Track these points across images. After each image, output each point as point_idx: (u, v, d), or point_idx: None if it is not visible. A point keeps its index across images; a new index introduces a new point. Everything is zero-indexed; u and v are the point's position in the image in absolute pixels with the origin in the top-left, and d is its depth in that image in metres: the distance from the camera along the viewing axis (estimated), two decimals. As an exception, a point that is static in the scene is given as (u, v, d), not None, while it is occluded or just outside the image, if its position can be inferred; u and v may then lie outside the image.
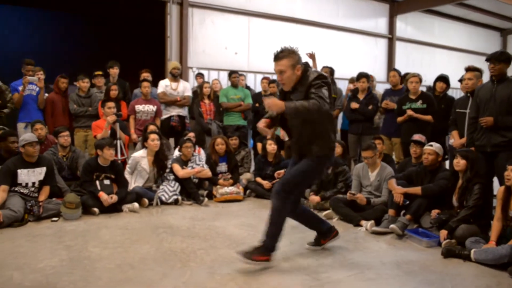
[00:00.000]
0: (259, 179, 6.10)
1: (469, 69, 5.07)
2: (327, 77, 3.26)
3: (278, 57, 3.32)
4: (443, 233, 3.94)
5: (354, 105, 6.52)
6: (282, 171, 5.71)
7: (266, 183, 6.00)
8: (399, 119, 5.93)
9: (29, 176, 4.78)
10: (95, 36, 14.50)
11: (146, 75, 7.14)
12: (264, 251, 3.33)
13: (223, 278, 3.17)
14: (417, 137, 5.16)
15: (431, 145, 4.63)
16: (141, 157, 5.71)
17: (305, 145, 3.36)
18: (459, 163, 4.16)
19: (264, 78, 8.08)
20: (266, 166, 6.17)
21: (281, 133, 6.52)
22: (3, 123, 5.95)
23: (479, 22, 14.99)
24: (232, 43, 10.21)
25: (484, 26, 15.33)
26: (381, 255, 3.80)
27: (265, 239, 3.37)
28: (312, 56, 6.17)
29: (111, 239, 4.07)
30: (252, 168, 6.63)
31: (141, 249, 3.81)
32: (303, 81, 3.28)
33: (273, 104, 3.12)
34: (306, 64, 3.39)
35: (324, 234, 3.84)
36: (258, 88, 8.62)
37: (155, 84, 7.15)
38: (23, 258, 3.53)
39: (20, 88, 6.18)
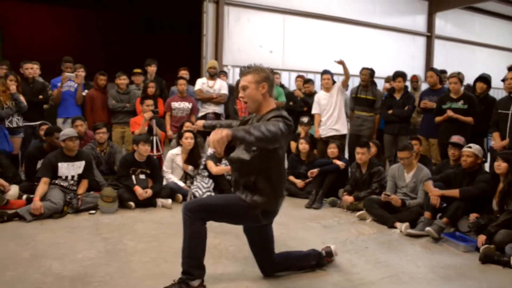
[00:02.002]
0: (292, 178, 6.08)
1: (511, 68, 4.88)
2: (289, 119, 2.66)
3: (243, 72, 2.88)
4: (482, 238, 3.81)
5: (390, 111, 6.43)
6: (316, 170, 5.68)
7: (299, 182, 5.97)
8: (438, 119, 5.78)
9: (68, 170, 4.94)
10: (134, 35, 14.83)
11: (183, 72, 7.24)
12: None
13: (254, 275, 3.19)
14: (455, 138, 5.02)
15: (470, 147, 4.49)
16: (176, 154, 5.81)
17: (249, 189, 2.80)
18: (500, 166, 4.02)
19: (299, 76, 8.05)
20: (299, 165, 6.15)
21: (316, 133, 6.49)
22: (44, 119, 6.17)
23: (522, 19, 14.41)
24: (267, 41, 10.22)
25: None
26: (415, 258, 3.72)
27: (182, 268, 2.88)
28: (341, 62, 6.07)
29: (146, 233, 4.16)
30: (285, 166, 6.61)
31: (175, 243, 3.86)
32: (263, 116, 2.77)
33: (215, 140, 2.33)
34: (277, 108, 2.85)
35: (319, 265, 3.34)
36: (293, 87, 8.59)
37: (192, 82, 7.25)
38: (62, 248, 3.66)
39: (59, 84, 6.40)
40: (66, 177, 4.94)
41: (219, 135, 2.32)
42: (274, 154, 2.74)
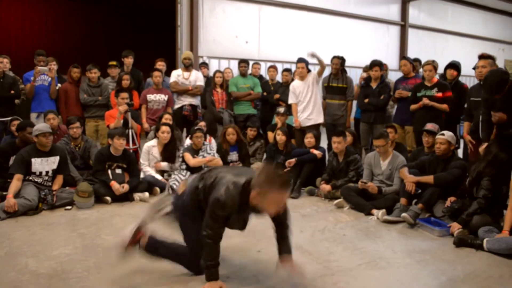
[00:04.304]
0: (270, 168, 6.09)
1: (482, 56, 4.98)
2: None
3: None
4: (455, 226, 3.91)
5: (366, 100, 6.50)
6: (293, 160, 5.71)
7: (277, 172, 5.99)
8: (413, 106, 5.86)
9: (42, 165, 4.83)
10: (110, 26, 14.57)
11: (160, 64, 7.15)
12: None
13: (234, 265, 3.20)
14: (429, 126, 5.10)
15: (443, 134, 4.57)
16: (152, 146, 5.76)
17: None
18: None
19: (271, 67, 8.03)
20: (277, 155, 6.16)
21: (295, 122, 6.50)
22: (16, 114, 6.02)
23: (494, 8, 14.69)
24: (243, 32, 10.19)
25: (499, 12, 15.03)
26: (392, 244, 3.79)
27: None
28: (313, 55, 6.09)
29: (124, 227, 4.09)
30: (264, 157, 6.62)
31: (153, 237, 3.84)
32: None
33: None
34: None
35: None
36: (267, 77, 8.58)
37: (168, 74, 7.17)
38: (38, 245, 3.59)
39: (32, 78, 6.23)
40: (40, 173, 4.83)
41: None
42: None
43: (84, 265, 3.19)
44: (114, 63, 7.00)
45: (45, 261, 3.27)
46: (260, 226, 4.16)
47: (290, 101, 6.57)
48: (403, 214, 4.25)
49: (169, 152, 5.79)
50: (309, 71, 6.54)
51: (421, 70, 6.60)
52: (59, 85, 6.53)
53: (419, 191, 4.49)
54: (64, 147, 5.39)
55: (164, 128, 5.69)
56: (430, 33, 13.48)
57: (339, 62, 6.92)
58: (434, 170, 4.56)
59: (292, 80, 6.87)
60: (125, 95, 6.11)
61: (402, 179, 4.58)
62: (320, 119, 6.53)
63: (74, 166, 5.46)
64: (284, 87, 7.13)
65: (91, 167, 5.49)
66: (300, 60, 6.49)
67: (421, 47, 12.92)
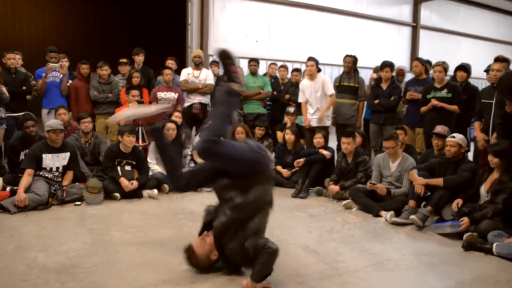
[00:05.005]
0: (279, 167, 6.10)
1: (498, 59, 4.91)
2: None
3: None
4: (466, 220, 3.86)
5: (376, 101, 6.46)
6: (302, 159, 5.70)
7: (285, 172, 6.00)
8: (423, 108, 5.82)
9: (53, 161, 4.88)
10: (122, 24, 14.65)
11: (170, 62, 7.18)
12: None
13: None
14: (439, 128, 5.06)
15: (454, 137, 4.54)
16: (159, 144, 5.76)
17: None
18: (493, 161, 4.04)
19: (282, 66, 8.02)
20: (285, 155, 6.16)
21: (305, 122, 6.49)
22: (27, 109, 6.08)
23: (506, 10, 14.53)
24: (253, 31, 10.18)
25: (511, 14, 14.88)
26: (400, 246, 3.77)
27: None
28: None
29: (132, 224, 4.14)
30: (272, 157, 6.62)
31: (161, 234, 3.87)
32: None
33: None
34: None
35: None
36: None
37: (178, 72, 7.19)
38: (47, 240, 3.63)
39: (43, 75, 6.29)
40: (51, 168, 4.87)
41: None
42: None
43: (92, 261, 3.22)
44: (124, 60, 7.04)
45: (54, 255, 3.30)
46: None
47: (299, 99, 6.56)
48: (412, 217, 4.23)
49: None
50: (319, 70, 6.51)
51: (431, 71, 6.55)
52: (70, 81, 6.58)
53: (428, 193, 4.46)
54: (74, 143, 5.43)
55: (169, 125, 5.70)
56: (441, 35, 13.38)
57: (352, 61, 6.87)
58: (444, 172, 4.53)
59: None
60: (135, 92, 6.13)
61: (412, 181, 4.56)
62: (327, 123, 6.50)
63: (84, 162, 5.50)
64: (294, 86, 7.12)
65: (101, 163, 5.54)
66: (310, 58, 6.46)
67: (433, 48, 12.82)
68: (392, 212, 4.47)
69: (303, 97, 6.49)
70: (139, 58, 7.10)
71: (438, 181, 4.38)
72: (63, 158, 4.95)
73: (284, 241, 3.67)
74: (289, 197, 5.41)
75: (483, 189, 4.13)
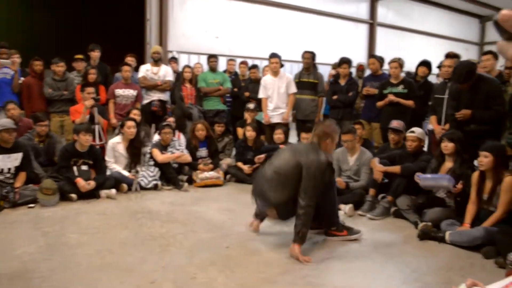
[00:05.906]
0: (239, 164, 6.10)
1: (449, 55, 5.11)
2: None
3: None
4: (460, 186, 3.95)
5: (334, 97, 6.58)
6: (263, 156, 5.72)
7: (246, 168, 6.00)
8: (379, 103, 5.97)
9: (4, 162, 4.68)
10: (77, 18, 14.17)
11: (130, 59, 7.04)
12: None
13: (202, 262, 3.18)
14: (395, 123, 5.19)
15: (413, 132, 4.68)
16: (117, 142, 5.64)
17: None
18: (447, 146, 4.19)
19: (242, 62, 8.02)
20: (246, 151, 6.17)
21: (265, 118, 6.50)
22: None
23: (458, 9, 15.11)
24: (213, 26, 10.10)
25: (463, 12, 15.47)
26: (359, 238, 3.85)
27: None
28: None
29: (90, 225, 4.03)
30: (233, 153, 6.62)
31: (120, 234, 3.79)
32: None
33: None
34: None
35: None
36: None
37: (137, 69, 7.05)
38: (-1, 245, 3.47)
39: (-7, 72, 6.02)
40: (2, 170, 4.68)
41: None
42: None
43: (48, 264, 3.10)
44: (80, 56, 6.84)
45: (7, 261, 3.16)
46: (228, 222, 4.18)
47: (260, 95, 6.57)
48: (372, 215, 4.43)
49: (134, 148, 5.68)
50: (282, 66, 6.54)
51: (386, 67, 6.73)
52: (22, 78, 6.33)
53: (386, 180, 4.60)
54: (27, 143, 5.23)
55: (129, 123, 5.58)
56: (397, 32, 13.74)
57: (310, 56, 6.95)
58: (403, 163, 4.65)
59: (260, 77, 6.88)
60: (91, 89, 5.96)
61: (371, 173, 4.68)
62: (289, 117, 6.56)
63: (38, 162, 5.31)
64: (254, 83, 7.12)
65: (55, 164, 5.35)
66: (274, 55, 6.46)
67: (389, 45, 13.13)
68: (351, 205, 4.56)
69: (265, 92, 6.49)
70: (95, 54, 6.91)
71: (396, 169, 4.51)
72: (15, 159, 4.76)
73: (246, 237, 3.70)
74: (250, 193, 5.39)
75: None
